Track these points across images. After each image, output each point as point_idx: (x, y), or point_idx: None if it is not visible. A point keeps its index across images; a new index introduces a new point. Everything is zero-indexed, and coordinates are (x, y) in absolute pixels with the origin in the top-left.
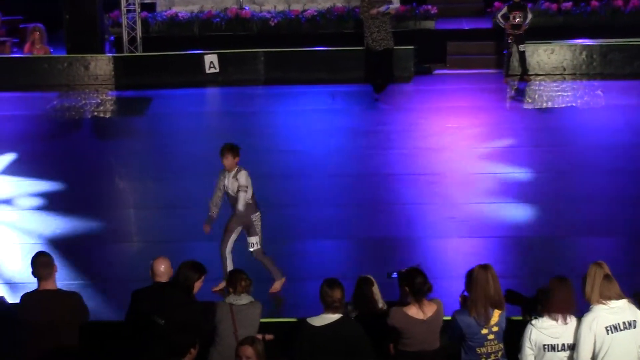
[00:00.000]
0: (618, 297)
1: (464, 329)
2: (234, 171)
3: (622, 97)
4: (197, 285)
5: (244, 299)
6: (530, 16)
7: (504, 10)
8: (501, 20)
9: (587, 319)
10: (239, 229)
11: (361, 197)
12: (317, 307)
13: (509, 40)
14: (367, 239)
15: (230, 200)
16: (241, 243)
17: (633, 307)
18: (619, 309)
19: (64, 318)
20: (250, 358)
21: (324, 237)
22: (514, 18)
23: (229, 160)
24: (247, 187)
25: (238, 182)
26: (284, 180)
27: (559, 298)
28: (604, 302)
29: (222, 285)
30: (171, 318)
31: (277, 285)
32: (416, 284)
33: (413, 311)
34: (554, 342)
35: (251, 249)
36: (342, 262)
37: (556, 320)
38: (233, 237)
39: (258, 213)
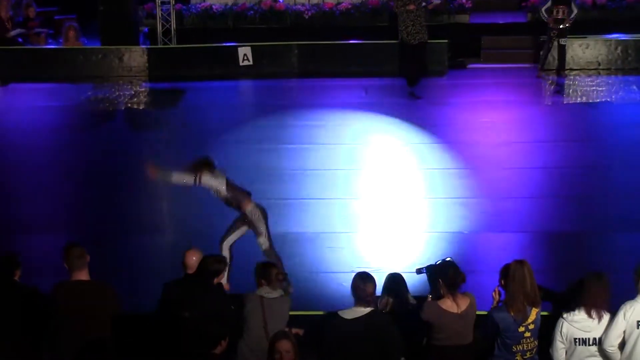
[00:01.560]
0: None
1: (501, 325)
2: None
3: None
4: (220, 277)
5: (275, 292)
6: (575, 11)
7: (548, 4)
8: (545, 14)
9: (626, 306)
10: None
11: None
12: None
13: (552, 35)
14: (398, 234)
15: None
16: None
17: None
18: None
19: (96, 308)
20: (289, 352)
21: (360, 231)
22: (558, 12)
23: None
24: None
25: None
26: (320, 174)
27: (594, 293)
28: None
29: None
30: (200, 310)
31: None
32: (449, 275)
33: (447, 304)
34: (585, 335)
35: (263, 248)
36: (374, 257)
37: (589, 315)
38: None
39: (258, 210)
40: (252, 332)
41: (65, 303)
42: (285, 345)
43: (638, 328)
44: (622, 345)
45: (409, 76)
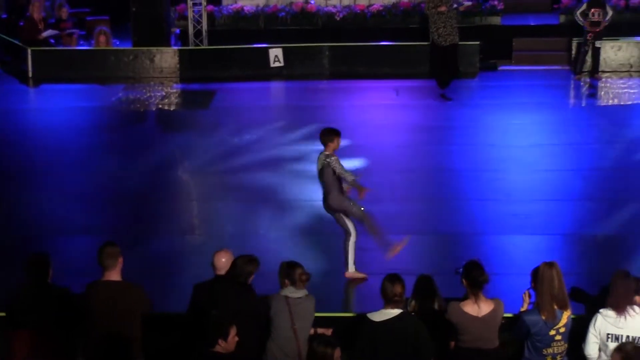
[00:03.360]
0: None
1: (531, 328)
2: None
3: None
4: (251, 278)
5: (300, 292)
6: (610, 13)
7: (583, 7)
8: (580, 17)
9: None
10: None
11: (425, 192)
12: (377, 302)
13: (588, 38)
14: (430, 235)
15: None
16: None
17: None
18: None
19: (127, 309)
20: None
21: (387, 233)
22: (593, 15)
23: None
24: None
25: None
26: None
27: (618, 291)
28: None
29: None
30: (234, 311)
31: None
32: (472, 276)
33: (469, 307)
34: (618, 332)
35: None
36: (404, 258)
37: (617, 312)
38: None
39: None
40: (281, 333)
41: (96, 303)
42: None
43: None
44: None
45: (440, 78)
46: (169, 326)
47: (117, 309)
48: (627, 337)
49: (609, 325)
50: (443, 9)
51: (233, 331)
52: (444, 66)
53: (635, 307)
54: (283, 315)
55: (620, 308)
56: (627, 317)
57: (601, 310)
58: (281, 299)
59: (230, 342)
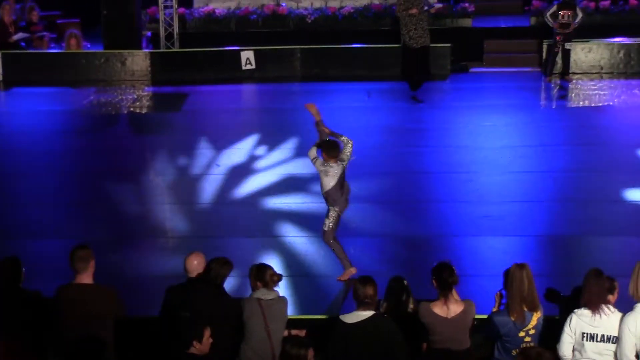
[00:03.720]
0: None
1: (501, 329)
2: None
3: None
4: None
5: (272, 294)
6: (580, 15)
7: (553, 8)
8: (550, 19)
9: (629, 319)
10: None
11: (397, 194)
12: (350, 304)
13: (558, 39)
14: (402, 237)
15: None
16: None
17: None
18: None
19: (99, 312)
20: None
21: (358, 234)
22: (563, 17)
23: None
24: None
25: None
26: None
27: (591, 290)
28: None
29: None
30: (208, 314)
31: (345, 275)
32: (442, 277)
33: (438, 308)
34: (593, 331)
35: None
36: (376, 260)
37: (591, 310)
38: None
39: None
40: (255, 335)
41: (68, 307)
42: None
43: None
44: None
45: (411, 80)
46: (142, 329)
47: (89, 312)
48: (602, 336)
49: (585, 325)
50: (414, 11)
51: (207, 333)
52: (415, 68)
53: (610, 306)
54: (256, 317)
55: (594, 306)
56: (602, 315)
57: (576, 310)
58: (254, 301)
59: (204, 343)
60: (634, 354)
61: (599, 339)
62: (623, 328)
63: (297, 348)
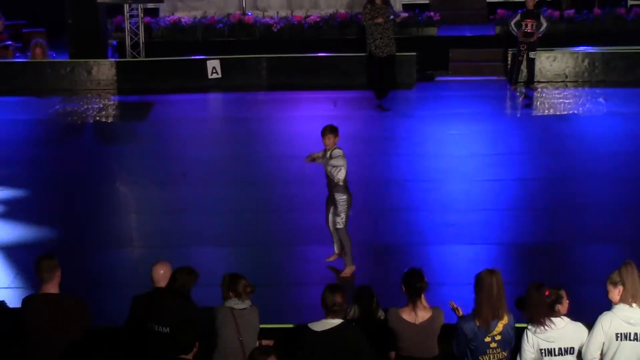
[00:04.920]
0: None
1: (468, 335)
2: (330, 150)
3: (623, 104)
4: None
5: (244, 303)
6: (545, 24)
7: (517, 17)
8: (514, 27)
9: (604, 317)
10: (331, 207)
11: (363, 202)
12: (318, 312)
13: (521, 48)
14: (368, 245)
15: (327, 180)
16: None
17: None
18: (637, 319)
19: (66, 322)
20: None
21: (324, 243)
22: (527, 26)
23: (330, 140)
24: (340, 166)
25: (331, 161)
26: (286, 186)
27: (532, 304)
28: (628, 303)
29: (333, 257)
30: (174, 324)
31: (347, 272)
32: (411, 282)
33: (406, 314)
34: (550, 346)
35: (337, 226)
36: (343, 268)
37: (539, 326)
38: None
39: (345, 197)
40: (228, 344)
41: (33, 317)
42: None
43: (617, 340)
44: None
45: (377, 89)
46: (109, 339)
47: (55, 323)
48: (560, 349)
49: (541, 341)
50: (380, 20)
51: (196, 347)
52: (381, 77)
53: (562, 317)
54: (229, 326)
55: (537, 322)
56: (555, 329)
57: (529, 327)
58: (227, 310)
59: (193, 354)
60: (599, 352)
61: (556, 353)
62: (596, 325)
63: (264, 355)
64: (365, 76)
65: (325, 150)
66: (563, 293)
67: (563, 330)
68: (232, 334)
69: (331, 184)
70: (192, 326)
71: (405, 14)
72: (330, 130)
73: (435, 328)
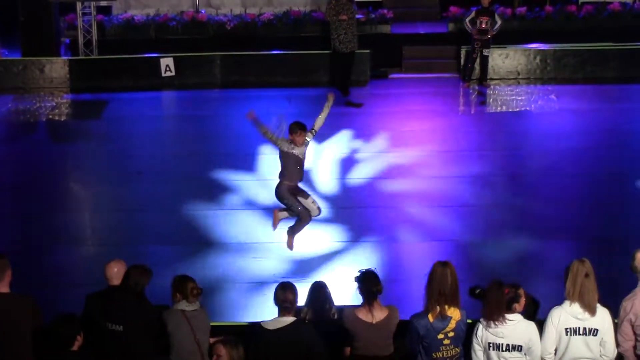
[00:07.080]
0: (591, 299)
1: (421, 332)
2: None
3: (575, 101)
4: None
5: (193, 305)
6: (499, 22)
7: (472, 14)
8: (468, 25)
9: (554, 312)
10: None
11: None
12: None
13: (475, 45)
14: (325, 243)
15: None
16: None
17: (602, 314)
18: (585, 314)
19: (16, 321)
20: (221, 357)
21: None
22: (481, 23)
23: (301, 137)
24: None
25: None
26: (241, 183)
27: (490, 302)
28: (576, 300)
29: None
30: (128, 322)
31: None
32: (366, 285)
33: (362, 314)
34: (498, 341)
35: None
36: (298, 266)
37: (491, 322)
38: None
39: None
40: (184, 347)
41: None
42: (220, 350)
43: (567, 335)
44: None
45: (342, 85)
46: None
47: (5, 322)
48: (507, 345)
49: (489, 335)
50: (344, 17)
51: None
52: (343, 73)
53: (516, 315)
54: (183, 328)
55: (492, 318)
56: (506, 325)
57: (481, 320)
58: (178, 313)
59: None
60: (554, 348)
61: (504, 349)
62: (547, 321)
63: (233, 349)
64: (320, 74)
65: (290, 142)
66: (521, 291)
67: (513, 328)
68: (187, 336)
69: (301, 174)
70: (146, 324)
71: (361, 16)
72: (300, 127)
73: (392, 327)
